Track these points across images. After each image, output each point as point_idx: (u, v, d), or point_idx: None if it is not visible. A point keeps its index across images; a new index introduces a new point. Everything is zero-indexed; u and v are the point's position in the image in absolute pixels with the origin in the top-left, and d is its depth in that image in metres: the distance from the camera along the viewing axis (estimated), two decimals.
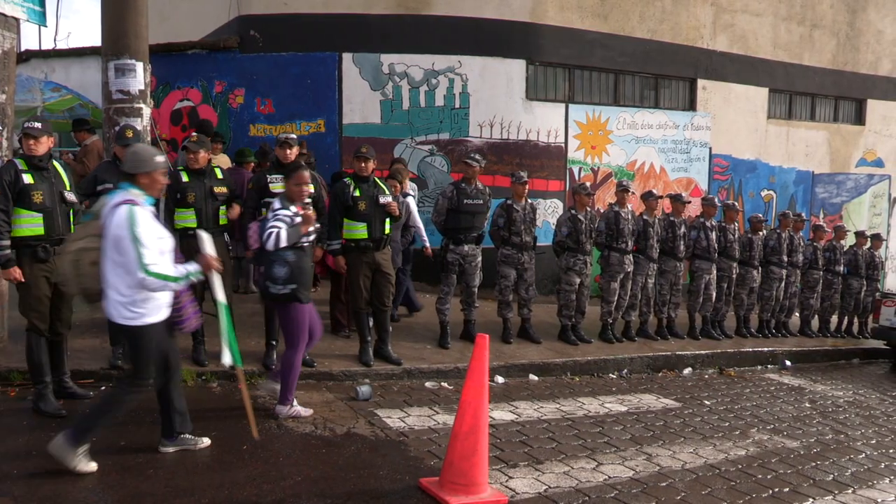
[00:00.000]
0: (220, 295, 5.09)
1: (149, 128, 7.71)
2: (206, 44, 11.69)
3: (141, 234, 4.38)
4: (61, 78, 11.27)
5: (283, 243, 5.64)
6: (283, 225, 5.65)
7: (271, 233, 5.61)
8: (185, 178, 6.56)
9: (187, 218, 6.51)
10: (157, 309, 4.64)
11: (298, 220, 5.74)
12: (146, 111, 7.61)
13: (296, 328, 5.88)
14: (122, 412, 4.81)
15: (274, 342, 7.07)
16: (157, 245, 4.50)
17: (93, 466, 4.67)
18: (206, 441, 5.24)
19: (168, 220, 6.52)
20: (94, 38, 11.19)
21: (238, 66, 11.31)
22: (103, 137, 7.92)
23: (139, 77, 7.46)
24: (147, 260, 4.37)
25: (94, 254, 4.54)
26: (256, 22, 11.28)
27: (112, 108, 7.45)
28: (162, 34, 11.71)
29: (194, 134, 7.24)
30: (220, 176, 6.73)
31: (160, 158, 4.71)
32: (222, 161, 9.49)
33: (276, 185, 6.85)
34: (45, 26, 7.65)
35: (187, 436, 5.17)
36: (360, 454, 5.39)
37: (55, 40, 20.90)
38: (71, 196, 5.77)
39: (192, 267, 4.71)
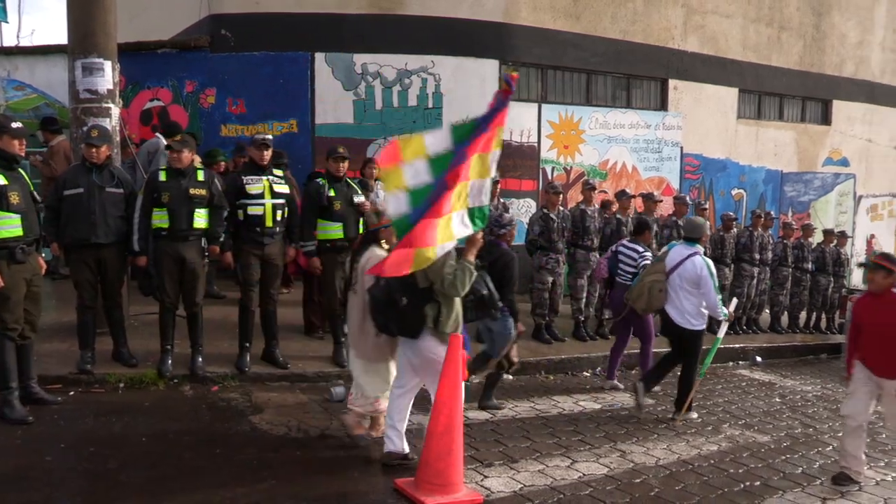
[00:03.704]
0: None
1: (118, 128, 7.60)
2: (177, 43, 11.56)
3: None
4: (25, 76, 11.08)
5: None
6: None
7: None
8: (162, 178, 6.48)
9: (161, 219, 6.43)
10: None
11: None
12: (115, 111, 7.50)
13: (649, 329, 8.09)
14: None
15: (247, 344, 7.02)
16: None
17: None
18: None
19: (146, 219, 6.44)
20: (60, 35, 11.04)
21: (209, 65, 11.20)
22: (70, 138, 7.79)
23: (107, 76, 7.35)
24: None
25: (662, 284, 7.11)
26: (228, 21, 11.18)
27: (80, 108, 7.34)
28: (131, 33, 11.54)
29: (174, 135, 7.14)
30: (200, 178, 6.61)
31: None
32: (198, 162, 9.39)
33: (253, 185, 6.79)
34: (7, 22, 7.54)
35: None
36: (335, 455, 5.37)
37: (18, 37, 20.51)
38: (37, 195, 5.71)
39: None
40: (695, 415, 7.25)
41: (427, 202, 4.68)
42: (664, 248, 7.67)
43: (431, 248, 4.58)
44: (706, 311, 7.11)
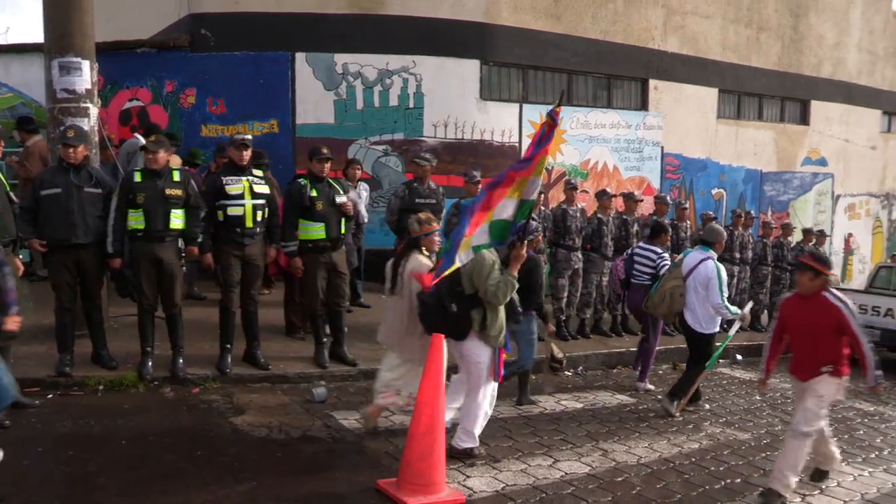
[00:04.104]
0: None
1: (96, 128, 7.53)
2: (156, 42, 11.48)
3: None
4: (1, 75, 10.95)
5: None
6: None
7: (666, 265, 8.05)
8: (137, 179, 6.42)
9: (136, 220, 6.37)
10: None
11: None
12: (93, 111, 7.43)
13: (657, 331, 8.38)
14: None
15: (228, 346, 6.98)
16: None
17: None
18: None
19: (120, 221, 6.38)
20: (37, 34, 10.92)
21: (189, 65, 11.13)
22: (47, 138, 7.71)
23: (85, 76, 7.28)
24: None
25: (682, 289, 7.36)
26: (207, 21, 11.12)
27: (57, 108, 7.27)
28: (110, 32, 11.45)
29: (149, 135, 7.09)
30: (176, 179, 6.55)
31: None
32: (174, 162, 9.33)
33: (232, 186, 6.75)
34: None
35: None
36: (317, 457, 5.36)
37: None
38: (13, 196, 5.64)
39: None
40: (678, 414, 7.30)
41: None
42: (680, 255, 7.97)
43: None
44: (718, 318, 7.43)
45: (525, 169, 5.17)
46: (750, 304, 8.13)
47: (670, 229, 9.70)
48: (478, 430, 5.56)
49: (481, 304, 5.34)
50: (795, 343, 5.50)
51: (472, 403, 5.51)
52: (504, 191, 5.14)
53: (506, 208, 5.18)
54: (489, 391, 5.57)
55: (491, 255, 5.32)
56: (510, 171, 5.24)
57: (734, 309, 7.35)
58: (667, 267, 8.01)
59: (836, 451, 5.70)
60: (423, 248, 5.78)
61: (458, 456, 5.45)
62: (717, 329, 7.48)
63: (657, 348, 8.54)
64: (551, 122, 5.16)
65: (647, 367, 8.34)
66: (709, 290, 7.21)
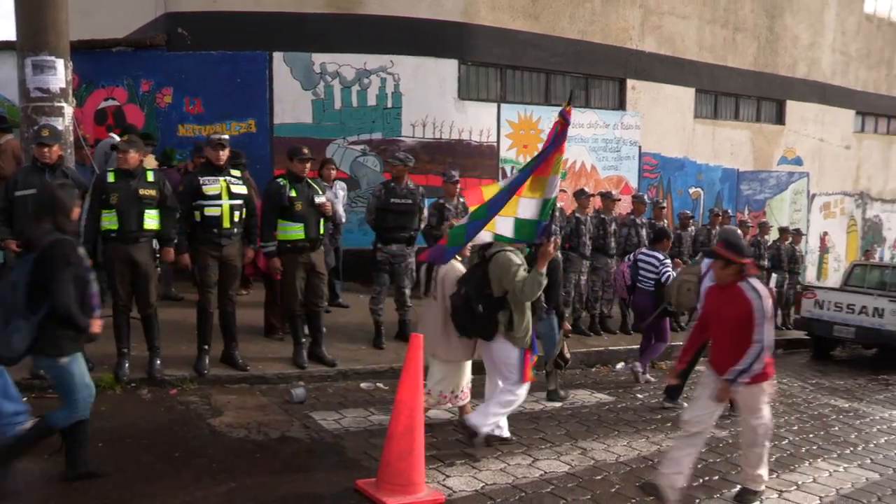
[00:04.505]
0: None
1: (71, 127, 7.45)
2: (132, 41, 11.38)
3: None
4: None
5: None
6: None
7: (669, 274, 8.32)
8: (110, 179, 6.36)
9: (110, 220, 6.29)
10: None
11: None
12: (68, 110, 7.35)
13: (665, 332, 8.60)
14: None
15: (206, 347, 6.93)
16: None
17: None
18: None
19: (93, 222, 6.31)
20: (9, 32, 10.77)
21: (165, 64, 11.05)
22: (21, 137, 7.61)
23: (59, 74, 7.19)
24: None
25: (691, 284, 7.46)
26: (184, 19, 11.04)
27: (30, 107, 7.18)
28: (84, 30, 11.34)
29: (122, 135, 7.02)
30: (150, 179, 6.48)
31: None
32: (149, 162, 9.25)
33: (209, 186, 6.70)
34: None
35: None
36: (296, 457, 5.33)
37: None
38: None
39: None
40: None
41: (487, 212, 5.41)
42: (700, 254, 8.23)
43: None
44: None
45: (539, 167, 5.31)
46: (774, 278, 8.32)
47: (672, 235, 9.97)
48: (494, 419, 5.69)
49: (507, 305, 5.51)
50: (715, 336, 5.22)
51: (505, 394, 5.68)
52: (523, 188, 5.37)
53: (529, 208, 5.39)
54: (521, 391, 5.74)
55: (516, 257, 5.55)
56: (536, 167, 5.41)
57: None
58: (668, 273, 8.35)
59: (765, 474, 5.37)
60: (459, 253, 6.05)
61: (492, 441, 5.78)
62: None
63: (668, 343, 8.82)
64: (563, 122, 5.32)
65: (648, 356, 8.72)
66: None
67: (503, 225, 5.40)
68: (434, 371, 6.02)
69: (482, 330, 5.59)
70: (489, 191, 5.67)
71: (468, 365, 6.12)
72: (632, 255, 9.10)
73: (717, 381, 5.01)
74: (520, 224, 5.41)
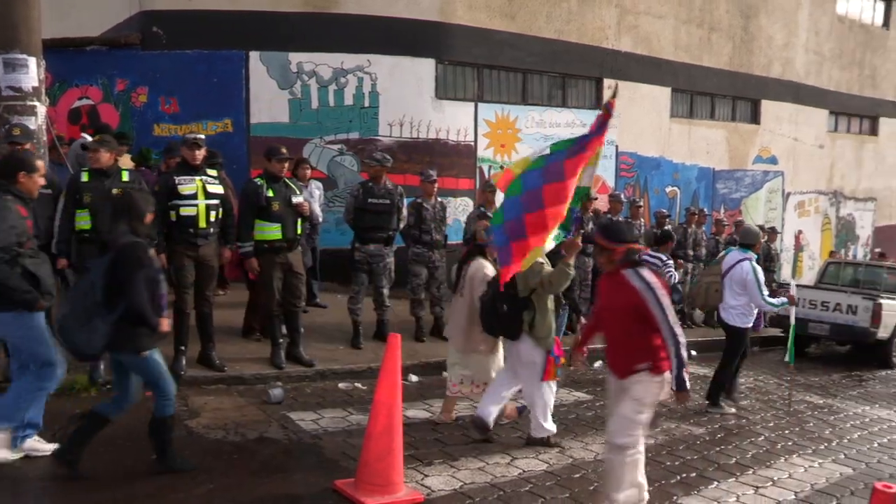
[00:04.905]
0: None
1: (44, 127, 7.35)
2: (106, 40, 11.28)
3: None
4: None
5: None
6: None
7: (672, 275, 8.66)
8: (84, 179, 6.29)
9: (84, 220, 6.23)
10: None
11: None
12: (41, 109, 7.23)
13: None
14: None
15: (183, 348, 6.87)
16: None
17: None
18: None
19: (67, 222, 6.24)
20: None
21: (141, 63, 10.95)
22: None
23: (32, 73, 7.08)
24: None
25: (717, 285, 7.81)
26: (159, 18, 10.95)
27: (2, 106, 7.04)
28: (58, 28, 11.22)
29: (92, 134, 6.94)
30: (125, 179, 6.41)
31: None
32: (125, 162, 9.16)
33: (185, 186, 6.65)
34: None
35: None
36: (274, 458, 5.30)
37: None
38: None
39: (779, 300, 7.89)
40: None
41: (526, 200, 5.24)
42: (721, 253, 8.54)
43: (539, 248, 5.26)
44: (754, 312, 7.86)
45: (577, 155, 5.30)
46: (793, 285, 8.63)
47: (675, 237, 10.32)
48: (548, 419, 5.97)
49: (532, 306, 5.74)
50: (606, 331, 4.82)
51: (537, 398, 5.91)
52: (570, 182, 5.32)
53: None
54: (549, 387, 5.97)
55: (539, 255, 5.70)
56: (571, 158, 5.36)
57: (776, 301, 7.88)
58: (671, 273, 8.73)
59: (644, 490, 4.78)
60: (488, 254, 6.27)
61: (535, 444, 5.95)
62: (751, 324, 7.88)
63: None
64: (607, 113, 5.38)
65: None
66: (748, 291, 7.60)
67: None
68: (457, 362, 6.39)
69: (507, 329, 5.82)
70: (518, 166, 5.56)
71: (495, 360, 6.35)
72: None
73: (618, 385, 4.68)
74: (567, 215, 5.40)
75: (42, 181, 5.21)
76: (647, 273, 4.54)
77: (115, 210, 4.82)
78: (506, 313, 5.72)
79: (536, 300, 5.75)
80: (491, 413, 5.90)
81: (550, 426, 5.98)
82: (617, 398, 4.70)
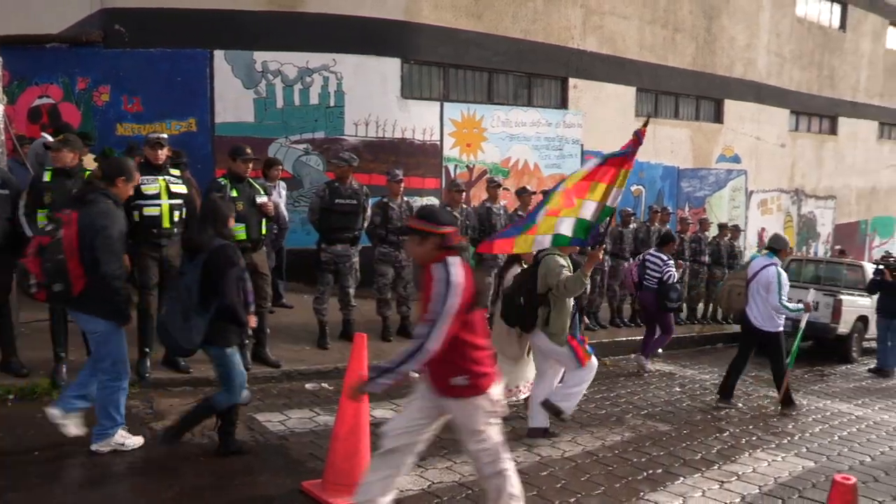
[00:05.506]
0: None
1: (2, 125, 7.22)
2: (67, 37, 11.10)
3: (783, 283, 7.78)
4: None
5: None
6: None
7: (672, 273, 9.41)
8: (46, 179, 6.18)
9: (44, 220, 6.12)
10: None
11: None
12: None
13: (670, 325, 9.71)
14: None
15: (147, 350, 6.78)
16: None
17: None
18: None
19: (31, 221, 6.13)
20: None
21: (103, 61, 10.80)
22: None
23: None
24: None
25: (740, 289, 8.31)
26: (122, 15, 10.80)
27: None
28: (15, 25, 11.02)
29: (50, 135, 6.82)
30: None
31: None
32: (89, 162, 9.01)
33: (148, 186, 6.56)
34: None
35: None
36: (241, 460, 5.26)
37: None
38: None
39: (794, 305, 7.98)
40: (796, 403, 8.13)
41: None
42: (748, 258, 8.65)
43: (531, 236, 5.74)
44: (783, 315, 8.05)
45: (601, 172, 5.64)
46: (811, 293, 8.85)
47: (677, 238, 10.81)
48: (574, 399, 6.29)
49: (547, 303, 6.07)
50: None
51: (574, 377, 6.20)
52: (587, 184, 5.69)
53: (589, 209, 5.71)
54: (588, 373, 6.23)
55: (563, 259, 6.10)
56: (595, 166, 5.73)
57: (793, 305, 7.94)
58: (671, 273, 9.30)
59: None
60: (523, 261, 6.57)
61: (536, 435, 6.29)
62: (782, 326, 8.06)
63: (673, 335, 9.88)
64: (637, 140, 5.65)
65: (652, 348, 9.63)
66: (769, 293, 7.79)
67: (565, 224, 5.73)
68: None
69: (521, 319, 6.18)
70: (572, 180, 5.86)
71: (529, 365, 6.58)
72: (640, 256, 9.93)
73: (434, 402, 4.02)
74: (579, 224, 5.74)
75: None
76: (453, 268, 3.69)
77: (202, 216, 5.16)
78: (521, 306, 6.10)
79: (553, 299, 6.06)
80: (553, 396, 6.23)
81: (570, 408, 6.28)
82: (434, 418, 4.08)
